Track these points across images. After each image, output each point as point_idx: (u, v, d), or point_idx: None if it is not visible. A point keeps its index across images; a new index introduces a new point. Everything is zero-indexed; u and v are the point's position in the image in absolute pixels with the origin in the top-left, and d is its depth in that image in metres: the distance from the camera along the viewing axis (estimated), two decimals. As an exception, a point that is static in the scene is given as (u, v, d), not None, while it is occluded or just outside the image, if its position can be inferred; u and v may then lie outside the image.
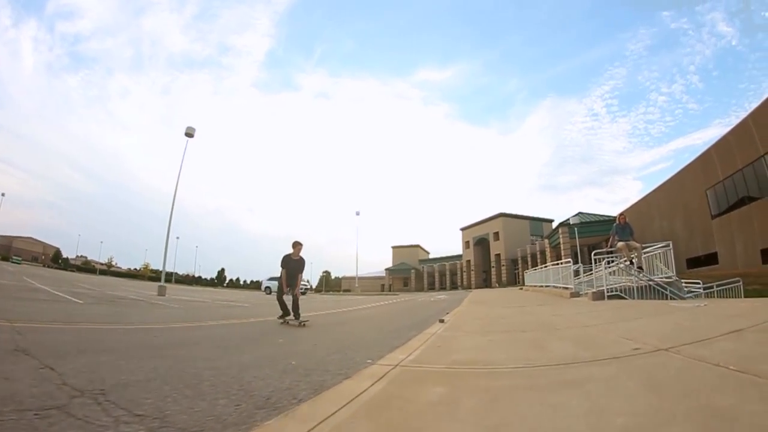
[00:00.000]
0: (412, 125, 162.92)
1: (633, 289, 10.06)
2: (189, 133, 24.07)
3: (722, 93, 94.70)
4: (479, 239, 71.65)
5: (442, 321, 7.49)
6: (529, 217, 68.85)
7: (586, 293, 11.08)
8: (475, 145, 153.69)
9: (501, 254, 66.14)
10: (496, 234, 67.88)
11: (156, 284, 22.68)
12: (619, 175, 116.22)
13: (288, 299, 8.41)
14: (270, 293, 30.23)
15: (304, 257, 8.62)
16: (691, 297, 10.60)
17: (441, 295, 30.91)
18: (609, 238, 11.34)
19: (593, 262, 11.28)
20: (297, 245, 8.43)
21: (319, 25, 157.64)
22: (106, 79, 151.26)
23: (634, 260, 10.61)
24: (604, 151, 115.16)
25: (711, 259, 29.75)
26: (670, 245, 10.77)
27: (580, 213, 48.14)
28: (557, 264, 15.29)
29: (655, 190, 38.79)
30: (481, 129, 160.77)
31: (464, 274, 74.74)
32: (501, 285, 56.00)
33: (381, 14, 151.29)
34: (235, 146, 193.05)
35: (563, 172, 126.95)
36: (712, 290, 14.98)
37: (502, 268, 65.47)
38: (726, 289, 15.14)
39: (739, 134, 26.30)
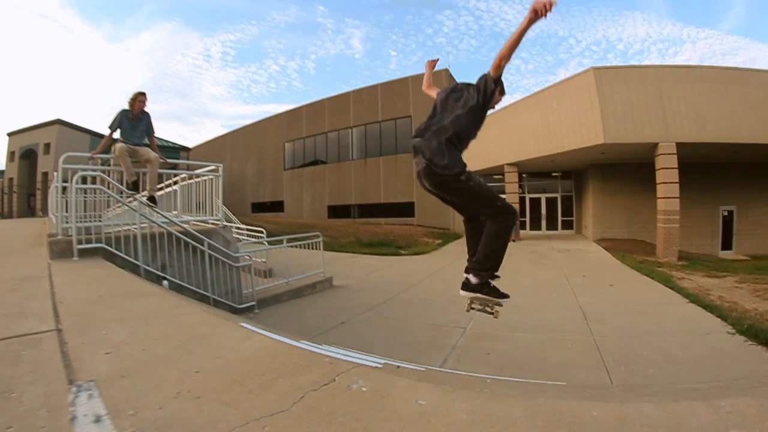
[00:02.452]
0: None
1: (137, 237, 4.77)
2: None
3: (325, 84, 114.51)
4: (27, 150, 45.20)
5: None
6: (92, 132, 48.75)
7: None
8: (73, 43, 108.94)
9: (50, 173, 43.10)
10: (48, 146, 44.19)
11: None
12: (209, 118, 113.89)
13: None
14: None
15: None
16: (246, 257, 6.67)
17: None
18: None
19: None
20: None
21: None
22: None
23: (144, 185, 5.65)
24: (203, 93, 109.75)
25: (277, 206, 29.83)
26: (221, 169, 6.61)
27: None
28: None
29: (234, 131, 37.38)
30: (89, 26, 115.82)
31: (5, 196, 48.04)
32: (45, 214, 35.19)
33: None
34: None
35: (155, 101, 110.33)
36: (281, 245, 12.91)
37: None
38: (307, 243, 13.74)
39: (337, 103, 28.31)
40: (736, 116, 12.73)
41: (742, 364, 4.28)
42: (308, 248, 9.05)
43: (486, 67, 2.25)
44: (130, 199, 5.19)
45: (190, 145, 37.38)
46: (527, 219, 21.43)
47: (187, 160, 31.57)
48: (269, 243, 9.42)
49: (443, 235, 19.51)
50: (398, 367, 2.24)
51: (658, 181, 13.37)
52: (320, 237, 9.12)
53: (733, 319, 5.64)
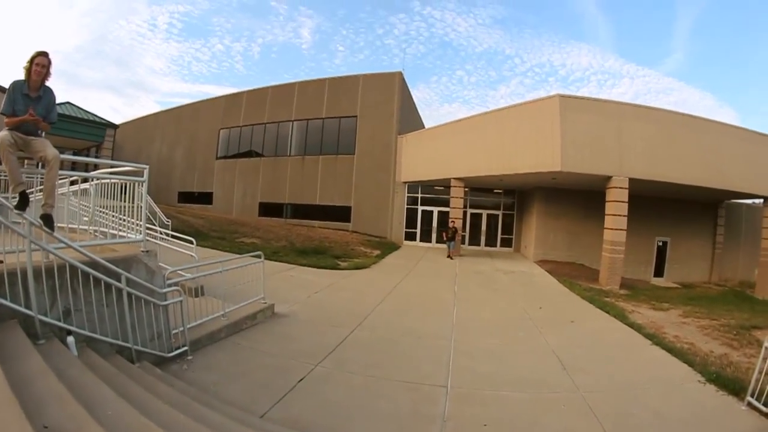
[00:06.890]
0: None
1: (27, 274, 3.15)
2: None
3: (267, 71, 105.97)
4: None
5: None
6: None
7: None
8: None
9: None
10: None
11: None
12: (144, 92, 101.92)
13: None
14: None
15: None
16: (177, 291, 4.91)
17: None
18: None
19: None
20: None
21: None
22: None
23: (33, 196, 3.86)
24: (142, 64, 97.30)
25: (205, 198, 27.50)
26: (145, 174, 4.80)
27: (68, 102, 29.46)
28: None
29: (167, 111, 34.46)
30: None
31: None
32: None
33: None
34: None
35: (91, 67, 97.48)
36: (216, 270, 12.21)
37: None
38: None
39: (281, 93, 26.35)
40: (684, 159, 13.50)
41: (725, 423, 4.28)
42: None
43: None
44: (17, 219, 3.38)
45: (120, 120, 32.36)
46: (467, 234, 21.25)
47: (113, 138, 27.14)
48: (200, 258, 7.81)
49: (381, 244, 18.68)
50: None
51: (607, 212, 13.73)
52: (262, 258, 7.65)
53: (700, 366, 5.68)
